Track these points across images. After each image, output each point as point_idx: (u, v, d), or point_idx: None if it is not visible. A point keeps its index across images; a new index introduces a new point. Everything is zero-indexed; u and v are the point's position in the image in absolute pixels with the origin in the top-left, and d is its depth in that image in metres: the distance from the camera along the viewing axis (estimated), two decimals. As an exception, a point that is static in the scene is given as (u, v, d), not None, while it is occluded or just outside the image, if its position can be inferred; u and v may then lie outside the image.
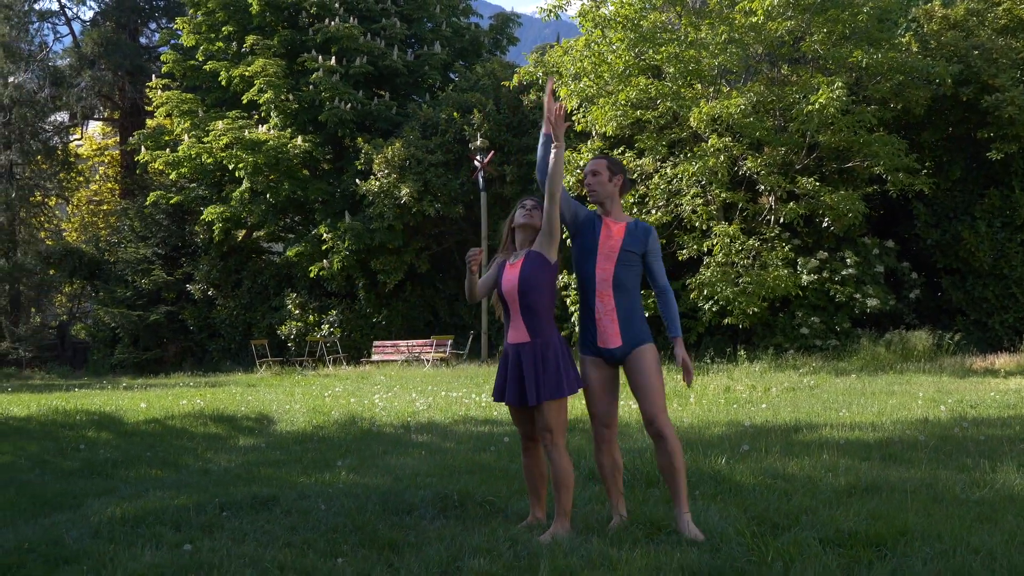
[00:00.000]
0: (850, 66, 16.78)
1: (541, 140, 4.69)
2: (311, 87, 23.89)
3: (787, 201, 17.00)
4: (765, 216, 17.41)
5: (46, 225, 34.42)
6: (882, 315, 17.82)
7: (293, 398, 13.27)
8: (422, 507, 4.96)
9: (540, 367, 4.55)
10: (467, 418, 10.19)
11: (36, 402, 13.53)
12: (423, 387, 14.31)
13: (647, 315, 4.92)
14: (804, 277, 17.04)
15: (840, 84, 15.74)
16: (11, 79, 30.21)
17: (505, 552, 4.01)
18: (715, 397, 11.30)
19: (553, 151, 4.57)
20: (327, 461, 7.30)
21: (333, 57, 24.12)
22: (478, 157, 20.89)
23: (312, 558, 4.10)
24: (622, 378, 4.76)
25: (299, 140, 23.54)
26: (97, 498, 6.25)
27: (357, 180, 22.57)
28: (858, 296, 17.13)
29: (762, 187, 17.18)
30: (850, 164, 17.23)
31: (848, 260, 17.32)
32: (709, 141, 16.71)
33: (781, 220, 16.94)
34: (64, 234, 35.02)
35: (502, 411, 10.73)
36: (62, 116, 33.17)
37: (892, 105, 17.35)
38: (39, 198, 32.87)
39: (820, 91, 15.79)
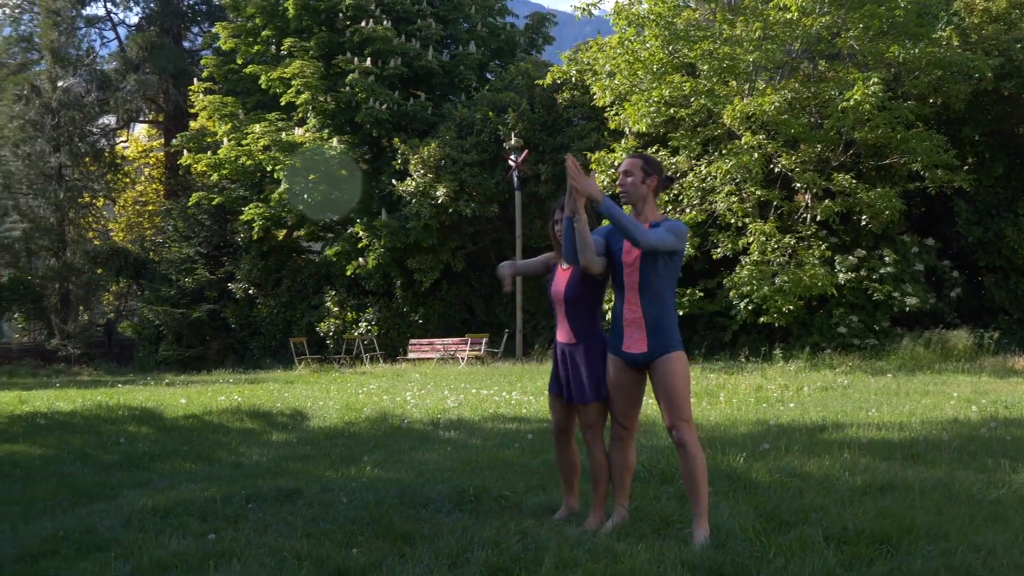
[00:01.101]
0: (887, 61, 16.62)
1: (565, 224, 4.59)
2: (347, 88, 24.16)
3: (823, 199, 16.89)
4: (801, 214, 17.31)
5: (94, 225, 35.16)
6: (922, 314, 17.60)
7: (328, 395, 13.47)
8: (438, 501, 5.08)
9: (582, 369, 4.70)
10: (496, 415, 10.30)
11: (82, 397, 13.88)
12: (456, 385, 14.45)
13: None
14: (841, 276, 16.90)
15: (876, 80, 15.60)
16: (60, 83, 30.93)
17: (514, 545, 4.11)
18: (745, 396, 11.28)
19: (576, 224, 4.50)
20: (354, 456, 7.46)
21: (368, 59, 24.37)
22: (512, 156, 21.00)
23: (328, 548, 4.24)
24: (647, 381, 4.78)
25: (335, 141, 23.83)
26: (132, 489, 6.46)
27: (394, 180, 22.80)
28: (897, 295, 16.94)
29: (797, 185, 17.08)
30: (888, 161, 17.06)
31: (887, 258, 17.14)
32: (743, 138, 16.66)
33: (817, 218, 16.84)
34: (111, 234, 35.75)
35: (530, 408, 10.83)
36: (109, 119, 33.90)
37: (931, 101, 17.15)
38: (87, 199, 33.59)
39: (856, 87, 15.66)
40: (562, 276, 4.81)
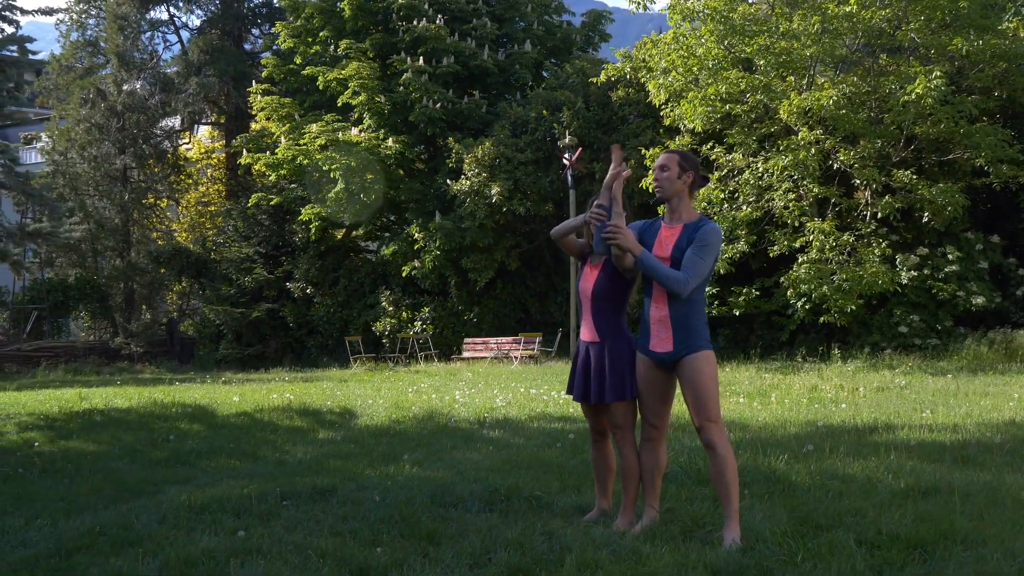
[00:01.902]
0: (950, 54, 16.15)
1: (595, 232, 4.52)
2: (401, 88, 24.30)
3: (883, 195, 16.48)
4: (861, 211, 16.92)
5: (158, 226, 35.90)
6: (986, 313, 17.06)
7: (379, 393, 13.54)
8: (469, 500, 5.04)
9: (606, 368, 4.63)
10: (543, 415, 10.23)
11: (139, 395, 14.16)
12: (507, 384, 14.42)
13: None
14: (903, 274, 16.49)
15: (939, 73, 15.17)
16: (124, 87, 31.64)
17: (539, 545, 4.04)
18: (798, 397, 11.06)
19: (614, 217, 4.45)
20: (395, 455, 7.46)
21: (421, 58, 24.47)
22: (567, 155, 20.89)
23: (353, 547, 4.22)
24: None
25: (390, 141, 23.98)
26: (174, 486, 6.55)
27: (448, 180, 22.87)
28: (961, 293, 16.47)
29: (857, 181, 16.70)
30: (951, 156, 16.58)
31: (950, 256, 16.68)
32: (800, 134, 16.34)
33: (878, 215, 16.44)
34: (175, 234, 36.49)
35: (577, 408, 10.73)
36: (172, 121, 34.58)
37: (996, 94, 16.62)
38: (151, 200, 34.32)
39: (917, 81, 15.26)
40: (590, 273, 4.75)
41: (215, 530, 4.78)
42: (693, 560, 3.67)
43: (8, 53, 12.27)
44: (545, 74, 26.91)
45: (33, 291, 31.45)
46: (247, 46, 34.26)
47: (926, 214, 16.35)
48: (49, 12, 14.55)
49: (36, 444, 9.55)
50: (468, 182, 21.89)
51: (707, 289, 17.68)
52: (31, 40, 13.61)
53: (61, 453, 8.82)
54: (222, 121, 34.69)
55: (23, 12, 13.55)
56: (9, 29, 13.41)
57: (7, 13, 13.11)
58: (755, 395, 11.37)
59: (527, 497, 5.04)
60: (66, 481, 7.18)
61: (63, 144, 31.42)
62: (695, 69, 17.44)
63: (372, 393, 13.70)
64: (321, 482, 5.87)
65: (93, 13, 33.23)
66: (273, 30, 28.58)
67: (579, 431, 8.08)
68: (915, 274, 16.47)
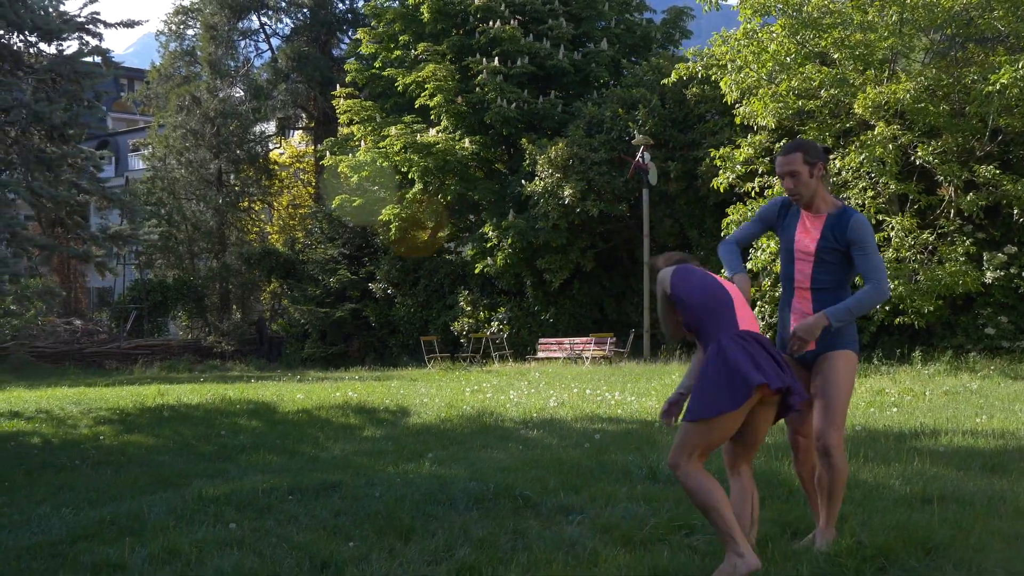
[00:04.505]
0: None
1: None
2: (478, 89, 24.49)
3: (967, 191, 15.81)
4: (944, 208, 16.27)
5: (253, 229, 37.09)
6: (1082, 314, 16.21)
7: (439, 392, 13.67)
8: (459, 498, 5.07)
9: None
10: (590, 415, 10.18)
11: (213, 392, 14.64)
12: (569, 384, 14.38)
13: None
14: (989, 273, 15.78)
15: (1026, 62, 14.46)
16: (220, 94, 32.82)
17: (503, 544, 4.05)
18: (859, 399, 10.70)
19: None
20: (423, 452, 7.55)
21: (496, 59, 24.61)
22: (640, 155, 20.71)
23: (328, 540, 4.30)
24: None
25: (466, 142, 24.20)
26: (204, 479, 6.76)
27: (523, 181, 22.93)
28: (1052, 293, 15.70)
29: (939, 177, 16.07)
30: (1040, 150, 15.81)
31: (1041, 254, 15.91)
32: (876, 129, 15.80)
33: (963, 212, 15.78)
34: (269, 236, 37.64)
35: (628, 409, 10.65)
36: (265, 126, 35.70)
37: (1090, 83, 15.72)
38: (246, 203, 35.51)
39: (1003, 70, 14.57)
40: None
41: (213, 522, 4.94)
42: (641, 564, 3.61)
43: (84, 65, 12.80)
44: (625, 73, 26.73)
45: (134, 291, 32.86)
46: (335, 52, 35.06)
47: (1015, 210, 15.61)
48: (131, 24, 15.13)
49: (102, 437, 9.98)
50: (541, 183, 21.91)
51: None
52: (107, 51, 14.14)
53: (119, 447, 9.20)
54: (312, 126, 35.60)
55: (107, 25, 14.02)
56: (93, 41, 13.96)
57: (91, 26, 13.63)
58: (814, 398, 11.05)
59: (516, 496, 5.04)
60: (110, 472, 7.50)
61: (162, 150, 32.79)
62: (768, 65, 17.05)
63: (434, 392, 13.85)
64: (332, 478, 5.99)
65: (191, 24, 34.65)
66: (356, 36, 29.18)
67: (612, 432, 8.02)
68: (1002, 273, 15.74)
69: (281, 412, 11.86)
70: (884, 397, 10.93)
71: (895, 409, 9.30)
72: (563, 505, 4.90)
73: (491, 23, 25.08)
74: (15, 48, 13.03)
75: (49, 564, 4.41)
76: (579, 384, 14.29)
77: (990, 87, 14.74)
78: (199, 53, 33.30)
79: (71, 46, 16.13)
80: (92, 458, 8.46)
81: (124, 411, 12.21)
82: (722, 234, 18.14)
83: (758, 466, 5.64)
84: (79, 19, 13.58)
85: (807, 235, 4.16)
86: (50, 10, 13.20)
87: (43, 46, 13.46)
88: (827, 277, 4.11)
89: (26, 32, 12.90)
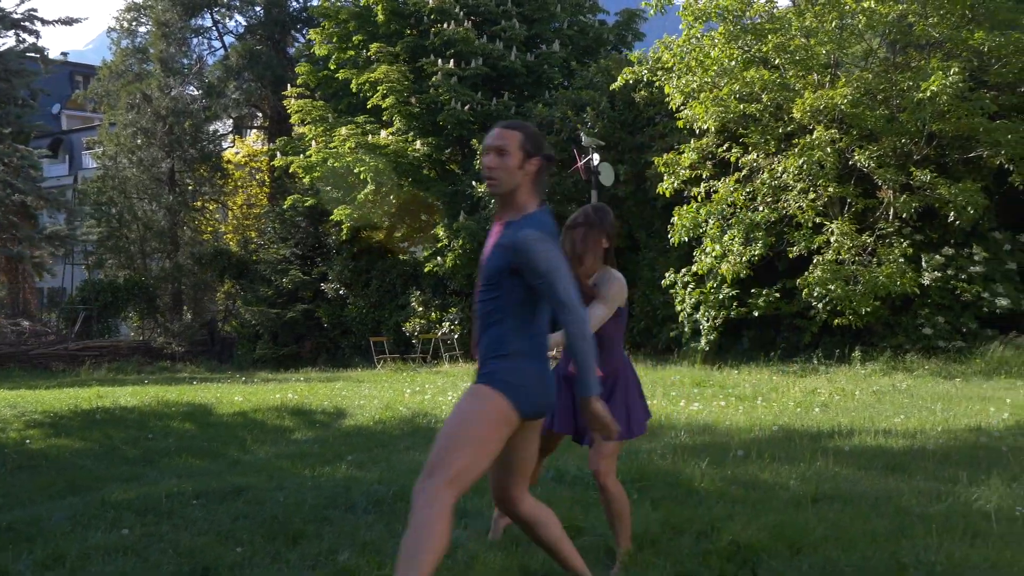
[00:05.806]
0: (971, 49, 15.69)
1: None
2: (431, 91, 24.47)
3: (904, 194, 16.09)
4: (882, 211, 16.55)
5: (207, 229, 36.72)
6: (1016, 315, 16.54)
7: (379, 394, 13.64)
8: (359, 501, 5.08)
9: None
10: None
11: (152, 394, 14.47)
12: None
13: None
14: (927, 275, 16.07)
15: (956, 69, 14.76)
16: (172, 92, 32.46)
17: (388, 548, 4.07)
18: (787, 400, 10.86)
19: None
20: (344, 455, 7.54)
21: (451, 60, 24.60)
22: (588, 157, 20.79)
23: (215, 546, 4.30)
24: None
25: (418, 144, 24.16)
26: (117, 483, 6.71)
27: (474, 182, 22.95)
28: (987, 295, 16.00)
29: (877, 180, 16.33)
30: (974, 154, 16.11)
31: (976, 256, 16.22)
32: (815, 133, 16.04)
33: (901, 215, 16.06)
34: (224, 236, 37.27)
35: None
36: (219, 125, 35.38)
37: (1021, 90, 16.09)
38: (200, 203, 35.14)
39: (933, 77, 14.86)
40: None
41: (109, 528, 4.91)
42: (514, 566, 3.66)
43: (17, 63, 12.60)
44: (577, 74, 26.83)
45: (84, 292, 32.39)
46: (289, 51, 34.84)
47: (951, 213, 15.92)
48: (69, 22, 14.92)
49: (28, 441, 9.83)
50: (491, 184, 21.92)
51: (727, 291, 17.65)
52: (44, 49, 13.95)
53: (43, 450, 9.08)
54: (266, 125, 35.35)
55: (44, 22, 13.84)
56: (30, 39, 13.75)
57: (27, 24, 13.45)
58: (747, 398, 11.20)
59: (414, 499, 5.06)
60: (25, 477, 7.40)
61: (113, 148, 32.36)
62: (712, 69, 17.24)
63: (375, 394, 13.82)
64: (243, 481, 5.97)
65: (143, 21, 34.24)
66: (308, 36, 29.05)
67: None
68: (938, 275, 16.04)
69: (216, 415, 11.78)
70: (814, 397, 11.08)
71: (819, 409, 9.45)
72: (460, 509, 4.92)
73: (445, 24, 25.06)
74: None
75: (-65, 571, 4.36)
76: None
77: (921, 94, 15.02)
78: (151, 50, 32.91)
79: (5, 43, 15.90)
80: (12, 462, 8.33)
81: (57, 414, 12.02)
82: (669, 236, 18.33)
83: (664, 467, 5.73)
84: (15, 16, 13.40)
85: (485, 253, 3.50)
86: (-19, 7, 13.01)
87: (-27, 44, 13.29)
88: (489, 305, 3.45)
89: (-45, 29, 12.72)
